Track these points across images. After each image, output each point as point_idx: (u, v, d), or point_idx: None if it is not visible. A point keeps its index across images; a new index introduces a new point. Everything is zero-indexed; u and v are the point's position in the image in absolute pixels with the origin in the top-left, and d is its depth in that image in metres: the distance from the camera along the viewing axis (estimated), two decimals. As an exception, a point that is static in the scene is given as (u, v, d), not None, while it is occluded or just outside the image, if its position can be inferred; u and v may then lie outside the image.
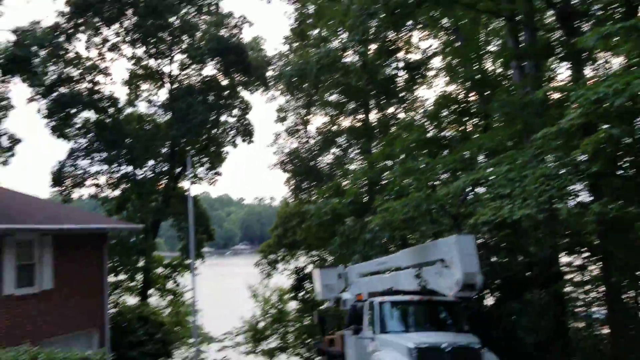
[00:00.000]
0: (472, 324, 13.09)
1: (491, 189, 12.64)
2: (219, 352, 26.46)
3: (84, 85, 33.55)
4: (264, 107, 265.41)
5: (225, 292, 38.59)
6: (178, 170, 34.34)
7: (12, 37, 31.76)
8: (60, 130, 33.36)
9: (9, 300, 15.73)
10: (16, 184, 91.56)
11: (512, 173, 12.46)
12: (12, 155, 35.09)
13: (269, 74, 33.98)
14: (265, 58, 34.77)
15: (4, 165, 37.94)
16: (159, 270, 35.21)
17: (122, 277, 32.39)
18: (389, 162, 21.96)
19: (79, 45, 33.71)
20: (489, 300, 16.38)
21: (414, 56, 27.00)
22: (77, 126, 33.82)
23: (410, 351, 11.38)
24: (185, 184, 34.12)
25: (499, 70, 21.13)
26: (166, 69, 34.73)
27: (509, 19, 16.81)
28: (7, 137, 34.29)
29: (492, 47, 22.07)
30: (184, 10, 33.49)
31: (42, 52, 32.12)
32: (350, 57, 27.16)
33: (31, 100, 33.36)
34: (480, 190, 14.23)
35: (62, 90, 33.01)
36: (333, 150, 32.19)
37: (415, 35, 26.23)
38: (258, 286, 32.12)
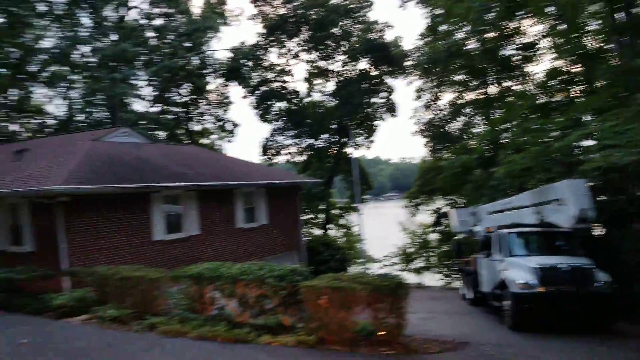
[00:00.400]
0: (585, 249, 12.10)
1: (599, 141, 11.48)
2: (380, 269, 26.85)
3: (277, 84, 35.06)
4: (404, 89, 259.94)
5: (382, 226, 38.86)
6: (344, 140, 34.88)
7: (230, 54, 34.03)
8: (263, 116, 35.40)
9: (240, 231, 17.16)
10: (238, 154, 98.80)
11: (617, 127, 11.19)
12: (234, 135, 38.15)
13: (407, 63, 33.07)
14: (404, 52, 33.76)
15: (229, 142, 41.35)
16: (334, 211, 36.50)
17: (309, 216, 34.08)
18: (507, 125, 20.63)
19: (272, 56, 35.04)
20: (598, 231, 14.97)
21: (526, 39, 24.66)
22: (274, 113, 35.61)
23: (533, 270, 10.81)
24: (349, 149, 34.62)
25: (599, 45, 18.67)
26: (331, 67, 35.10)
27: (608, 1, 14.78)
28: (231, 123, 37.18)
29: (590, 27, 19.51)
30: (342, 22, 33.44)
31: (249, 63, 34.03)
32: (472, 45, 25.54)
33: (244, 97, 35.68)
34: (588, 143, 12.97)
35: (263, 88, 34.82)
36: (460, 118, 30.79)
37: (526, 23, 23.89)
38: (406, 222, 32.00)
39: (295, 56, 34.87)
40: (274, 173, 23.32)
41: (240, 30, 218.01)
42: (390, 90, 35.27)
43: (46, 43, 33.22)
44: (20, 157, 15.76)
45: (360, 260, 29.32)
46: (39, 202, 11.80)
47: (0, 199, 12.83)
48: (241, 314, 8.67)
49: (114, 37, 30.72)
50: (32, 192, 11.62)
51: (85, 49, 30.44)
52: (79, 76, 32.50)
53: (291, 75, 35.39)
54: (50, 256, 11.69)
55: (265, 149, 35.67)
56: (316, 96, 36.30)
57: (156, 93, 34.39)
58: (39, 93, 33.64)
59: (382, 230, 36.28)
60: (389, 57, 33.33)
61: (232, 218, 16.94)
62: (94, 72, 30.47)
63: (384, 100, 35.34)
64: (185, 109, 35.91)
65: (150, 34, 33.23)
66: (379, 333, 7.53)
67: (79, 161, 13.32)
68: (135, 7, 32.04)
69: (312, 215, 34.70)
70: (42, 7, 29.38)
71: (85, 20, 31.27)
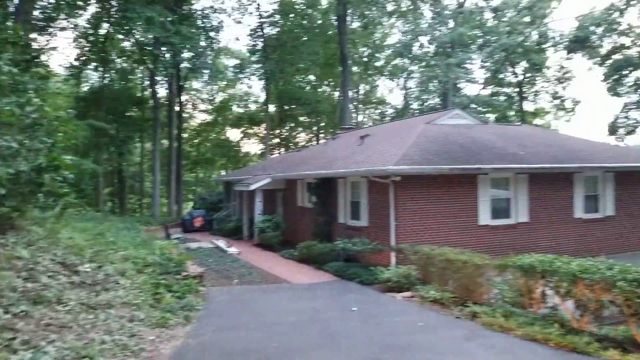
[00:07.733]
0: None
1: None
2: None
3: (635, 49, 28.97)
4: None
5: None
6: None
7: (575, 23, 30.18)
8: (613, 90, 30.08)
9: (578, 221, 14.82)
10: (577, 134, 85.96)
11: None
12: (573, 114, 34.85)
13: None
14: None
15: (567, 122, 37.62)
16: None
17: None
18: None
19: (630, 17, 29.15)
20: None
21: None
22: (629, 84, 29.69)
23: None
24: None
25: None
26: None
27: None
28: (570, 101, 33.68)
29: None
30: None
31: (598, 30, 29.26)
32: None
33: (589, 69, 31.35)
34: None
35: (616, 57, 29.47)
36: None
37: None
38: None
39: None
40: (626, 154, 18.91)
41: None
42: None
43: (391, 39, 36.94)
44: (362, 141, 17.73)
45: None
46: (374, 181, 12.82)
47: (345, 177, 14.67)
48: (579, 319, 7.21)
49: (451, 24, 31.32)
50: (368, 172, 12.68)
51: (424, 39, 32.23)
52: (417, 66, 34.84)
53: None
54: (381, 232, 12.62)
55: (614, 127, 30.24)
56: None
57: (488, 75, 33.59)
58: (382, 85, 38.12)
59: None
60: None
61: (568, 206, 14.71)
62: (431, 61, 31.98)
63: None
64: (518, 89, 33.95)
65: (487, 15, 32.58)
66: None
67: (411, 143, 13.85)
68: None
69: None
70: (390, 6, 32.53)
71: (427, 13, 33.07)
